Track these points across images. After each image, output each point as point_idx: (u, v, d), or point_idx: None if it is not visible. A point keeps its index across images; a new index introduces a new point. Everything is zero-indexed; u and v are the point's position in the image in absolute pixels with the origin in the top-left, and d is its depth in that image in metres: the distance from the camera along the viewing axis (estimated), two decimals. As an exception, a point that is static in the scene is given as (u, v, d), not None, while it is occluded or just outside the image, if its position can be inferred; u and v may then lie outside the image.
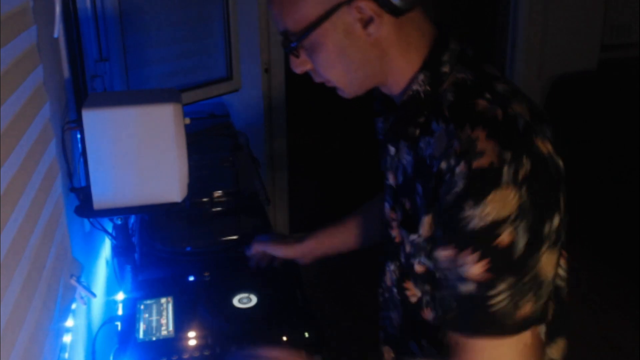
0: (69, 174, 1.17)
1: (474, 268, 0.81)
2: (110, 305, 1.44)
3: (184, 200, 1.18)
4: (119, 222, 1.25)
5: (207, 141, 1.99)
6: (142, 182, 1.13)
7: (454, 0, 4.56)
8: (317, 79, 0.96)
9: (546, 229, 0.81)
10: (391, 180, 1.01)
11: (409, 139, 0.92)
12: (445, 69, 0.89)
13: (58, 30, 1.23)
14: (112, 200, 1.13)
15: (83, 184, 1.24)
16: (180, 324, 1.17)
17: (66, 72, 1.36)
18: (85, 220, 1.34)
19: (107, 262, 1.66)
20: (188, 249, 1.50)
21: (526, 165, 0.79)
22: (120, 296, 1.29)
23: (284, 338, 1.13)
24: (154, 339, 1.14)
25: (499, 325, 0.83)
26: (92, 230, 1.38)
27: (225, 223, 1.59)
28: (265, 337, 1.13)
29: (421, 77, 0.89)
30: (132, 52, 1.97)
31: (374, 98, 1.06)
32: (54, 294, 0.99)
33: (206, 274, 1.34)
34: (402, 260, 0.99)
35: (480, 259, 0.81)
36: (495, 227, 0.79)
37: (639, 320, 2.68)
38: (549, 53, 3.38)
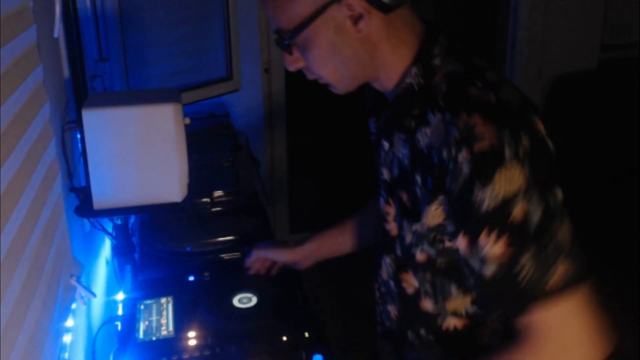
0: (69, 174, 1.17)
1: (495, 248, 0.83)
2: (110, 305, 1.44)
3: (184, 200, 1.18)
4: (119, 222, 1.25)
5: (207, 141, 1.99)
6: (142, 182, 1.13)
7: (454, 0, 4.57)
8: (310, 76, 0.98)
9: (551, 201, 0.83)
10: (385, 175, 1.03)
11: (405, 131, 0.94)
12: (437, 61, 0.91)
13: (58, 30, 1.23)
14: (112, 200, 1.13)
15: (83, 184, 1.24)
16: (180, 324, 1.17)
17: (66, 72, 1.36)
18: (85, 220, 1.34)
19: (107, 262, 1.66)
20: (188, 249, 1.50)
21: (525, 141, 0.81)
22: (120, 296, 1.29)
23: (284, 338, 1.14)
24: (154, 338, 1.14)
25: (537, 294, 0.83)
26: (92, 230, 1.38)
27: (225, 223, 1.59)
28: (265, 337, 1.13)
29: (414, 70, 0.91)
30: (132, 52, 1.96)
31: (365, 100, 1.07)
32: (54, 294, 0.99)
33: (206, 274, 1.35)
34: (399, 252, 1.01)
35: (498, 237, 0.82)
36: (507, 204, 0.81)
37: (639, 320, 2.67)
38: (549, 53, 3.38)
